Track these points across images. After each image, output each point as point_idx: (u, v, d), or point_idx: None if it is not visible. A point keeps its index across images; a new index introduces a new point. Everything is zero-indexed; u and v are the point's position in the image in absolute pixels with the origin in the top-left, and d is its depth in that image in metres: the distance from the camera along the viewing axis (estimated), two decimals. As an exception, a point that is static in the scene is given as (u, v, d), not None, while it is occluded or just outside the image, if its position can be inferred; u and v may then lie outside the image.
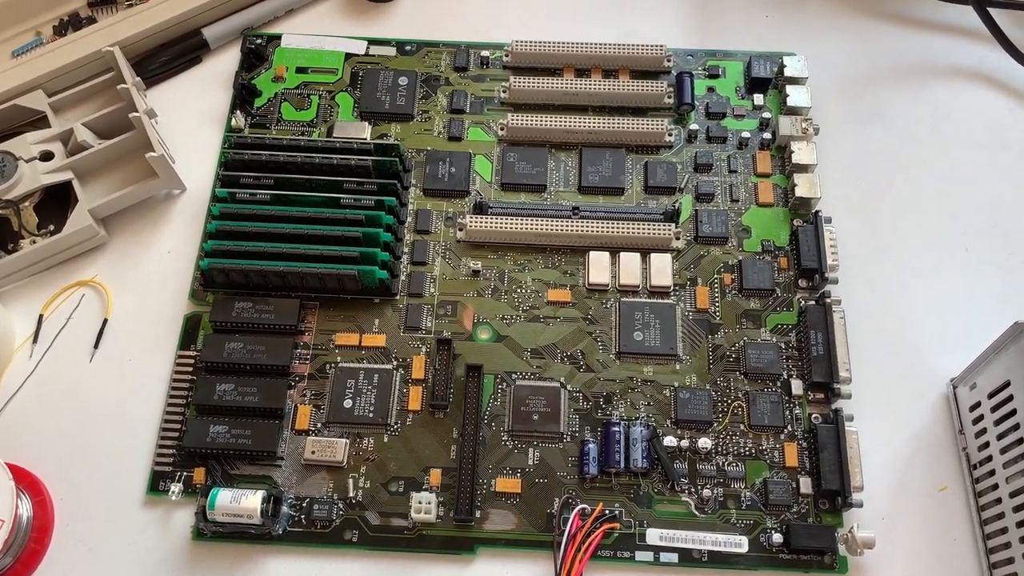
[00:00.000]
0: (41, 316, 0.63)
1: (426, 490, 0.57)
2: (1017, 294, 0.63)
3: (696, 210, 0.65)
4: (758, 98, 0.69)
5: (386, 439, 0.59)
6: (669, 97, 0.68)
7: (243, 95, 0.69)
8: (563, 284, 0.63)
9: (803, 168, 0.65)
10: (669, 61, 0.70)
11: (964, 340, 0.59)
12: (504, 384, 0.60)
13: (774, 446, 0.58)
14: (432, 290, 0.63)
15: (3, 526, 0.52)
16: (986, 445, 0.55)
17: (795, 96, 0.67)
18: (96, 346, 0.62)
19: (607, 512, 0.56)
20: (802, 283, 0.63)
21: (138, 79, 0.67)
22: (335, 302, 0.62)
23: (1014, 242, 0.65)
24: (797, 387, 0.59)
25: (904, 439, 0.59)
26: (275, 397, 0.59)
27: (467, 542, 0.56)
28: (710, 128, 0.68)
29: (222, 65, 0.72)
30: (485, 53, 0.71)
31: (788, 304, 0.62)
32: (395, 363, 0.61)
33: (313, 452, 0.58)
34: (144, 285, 0.64)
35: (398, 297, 0.63)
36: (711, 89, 0.69)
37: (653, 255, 0.63)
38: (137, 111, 0.63)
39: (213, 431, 0.57)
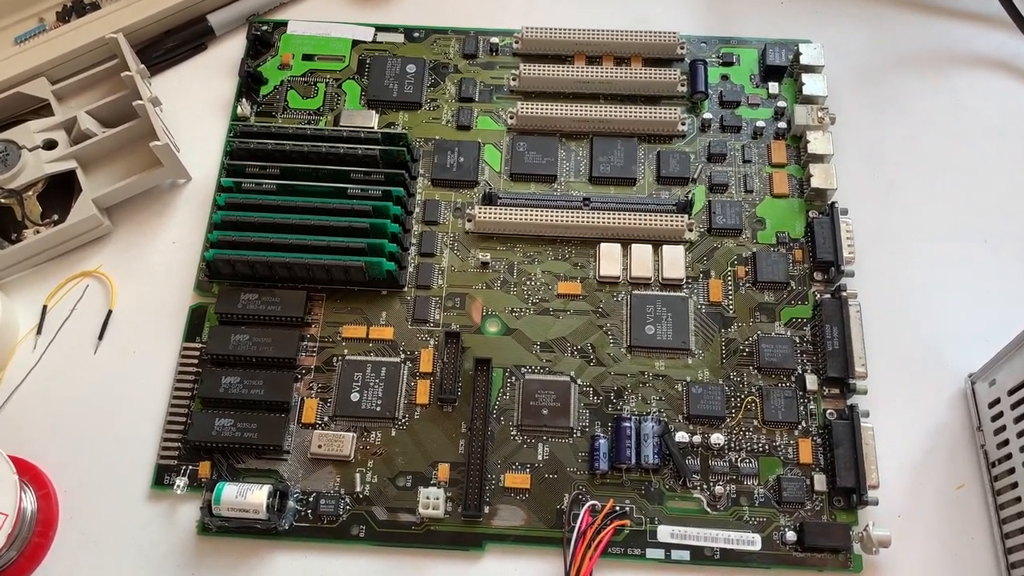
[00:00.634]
0: (45, 307, 0.63)
1: (434, 485, 0.56)
2: (1038, 287, 0.62)
3: (709, 201, 0.64)
4: (773, 86, 0.68)
5: (394, 433, 0.58)
6: (682, 85, 0.67)
7: (249, 83, 0.68)
8: (573, 276, 0.62)
9: (819, 158, 0.64)
10: (682, 48, 0.68)
11: (983, 334, 0.58)
12: (513, 378, 0.59)
13: (788, 442, 0.57)
14: (440, 282, 0.62)
15: (7, 520, 0.52)
16: (1005, 443, 0.55)
17: (811, 84, 0.66)
18: (100, 338, 0.62)
19: (617, 509, 0.55)
20: (817, 276, 0.62)
21: (142, 66, 0.67)
22: (342, 294, 0.62)
23: (1034, 234, 0.64)
24: (812, 382, 0.58)
25: (921, 436, 0.59)
26: (281, 390, 0.58)
27: (475, 538, 0.55)
28: (724, 117, 0.66)
29: (227, 52, 0.71)
30: (495, 40, 0.70)
31: (803, 297, 0.61)
32: (403, 356, 0.60)
33: (320, 446, 0.57)
34: (149, 276, 0.64)
35: (406, 289, 0.62)
36: (725, 77, 0.68)
37: (665, 247, 0.62)
38: (141, 99, 0.63)
39: (219, 424, 0.57)
